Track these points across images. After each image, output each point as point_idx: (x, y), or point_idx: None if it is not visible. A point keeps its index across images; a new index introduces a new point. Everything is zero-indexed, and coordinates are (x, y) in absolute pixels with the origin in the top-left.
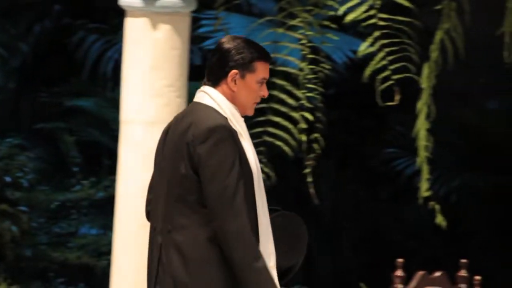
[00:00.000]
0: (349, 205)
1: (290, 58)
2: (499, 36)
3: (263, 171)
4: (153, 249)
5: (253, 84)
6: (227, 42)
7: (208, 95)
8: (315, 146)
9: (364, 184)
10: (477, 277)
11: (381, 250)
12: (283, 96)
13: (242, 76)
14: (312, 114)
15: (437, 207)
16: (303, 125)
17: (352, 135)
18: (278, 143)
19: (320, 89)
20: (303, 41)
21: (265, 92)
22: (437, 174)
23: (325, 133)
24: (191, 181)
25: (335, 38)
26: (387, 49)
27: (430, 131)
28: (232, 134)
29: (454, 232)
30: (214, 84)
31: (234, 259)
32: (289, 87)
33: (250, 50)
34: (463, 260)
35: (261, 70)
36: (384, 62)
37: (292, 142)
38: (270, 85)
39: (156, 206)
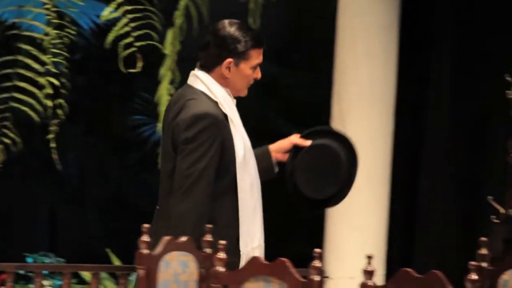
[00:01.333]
0: (95, 172)
1: (35, 23)
2: (245, 3)
3: (8, 137)
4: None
5: (247, 70)
6: (223, 29)
7: (200, 80)
8: (59, 111)
9: (110, 151)
10: (222, 242)
11: (127, 216)
12: (28, 61)
13: (237, 64)
14: (58, 79)
15: None
16: (48, 91)
17: (99, 101)
18: (24, 108)
19: (66, 54)
20: (48, 6)
21: (258, 75)
22: None
23: (71, 98)
24: (174, 161)
25: (81, 3)
26: (130, 15)
27: None
28: (217, 122)
29: None
30: (208, 69)
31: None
32: (34, 52)
33: (246, 39)
34: (208, 225)
35: (255, 56)
36: (127, 29)
37: (38, 108)
38: (15, 50)
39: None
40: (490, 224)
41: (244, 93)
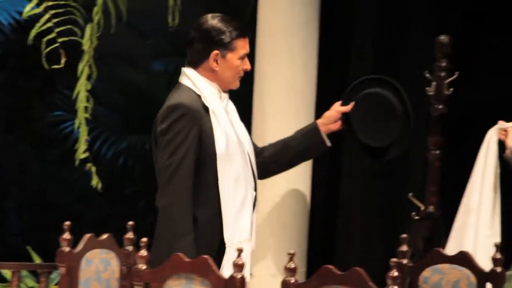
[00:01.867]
0: (15, 168)
1: None
2: (164, 0)
3: None
4: None
5: (235, 61)
6: (206, 23)
7: (186, 76)
8: None
9: (31, 147)
10: (144, 239)
11: (48, 213)
12: None
13: (223, 56)
14: None
15: (93, 169)
16: None
17: (19, 97)
18: None
19: None
20: None
21: (247, 66)
22: (105, 136)
23: None
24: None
25: None
26: (52, 11)
27: (95, 93)
28: (191, 112)
29: (123, 194)
30: (195, 65)
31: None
32: None
33: (229, 29)
34: (130, 222)
35: (241, 46)
36: (49, 24)
37: None
38: None
39: None
40: (411, 221)
41: (235, 85)
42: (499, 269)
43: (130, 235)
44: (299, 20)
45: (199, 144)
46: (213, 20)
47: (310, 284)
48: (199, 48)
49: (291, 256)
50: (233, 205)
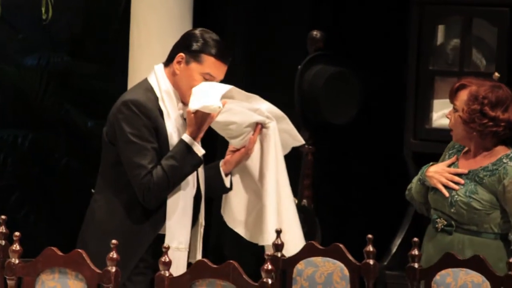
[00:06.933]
0: None
1: None
2: None
3: None
4: None
5: (196, 74)
6: (195, 30)
7: (154, 72)
8: None
9: None
10: (16, 233)
11: None
12: None
13: (187, 62)
14: None
15: None
16: None
17: None
18: None
19: None
20: None
21: None
22: None
23: None
24: (107, 148)
25: None
26: None
27: None
28: (145, 110)
29: None
30: (166, 64)
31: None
32: None
33: (208, 43)
34: (2, 216)
35: (209, 65)
36: None
37: None
38: None
39: None
40: None
41: (187, 100)
42: (371, 262)
43: (2, 229)
44: (172, 15)
45: (156, 140)
46: (196, 30)
47: (184, 277)
48: (172, 48)
49: (166, 250)
50: (174, 211)
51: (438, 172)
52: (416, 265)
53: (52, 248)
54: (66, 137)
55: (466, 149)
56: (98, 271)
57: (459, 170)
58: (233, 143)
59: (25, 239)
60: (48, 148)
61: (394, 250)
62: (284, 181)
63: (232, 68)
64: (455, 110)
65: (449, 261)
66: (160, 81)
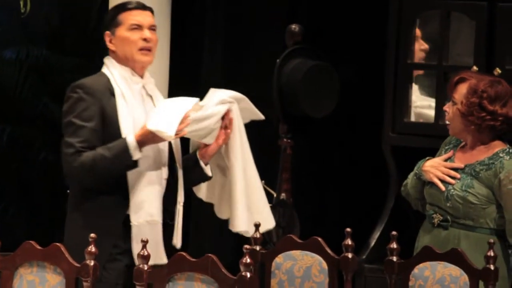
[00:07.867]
0: None
1: None
2: None
3: None
4: None
5: (124, 33)
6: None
7: (104, 63)
8: None
9: None
10: None
11: None
12: None
13: (113, 34)
14: None
15: None
16: None
17: None
18: None
19: None
20: None
21: (143, 35)
22: None
23: None
24: None
25: None
26: None
27: None
28: (89, 90)
29: None
30: (109, 53)
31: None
32: None
33: (116, 7)
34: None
35: (127, 18)
36: None
37: None
38: None
39: None
40: None
41: (140, 59)
42: (350, 255)
43: None
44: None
45: (100, 122)
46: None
47: (163, 271)
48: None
49: (144, 244)
50: (138, 184)
51: (434, 167)
52: (394, 259)
53: (31, 242)
54: (44, 131)
55: (462, 143)
56: (76, 264)
57: (455, 165)
58: (206, 141)
59: (4, 233)
60: (26, 142)
61: (372, 243)
62: (250, 161)
63: (211, 62)
64: (453, 103)
65: (428, 254)
66: (109, 66)
